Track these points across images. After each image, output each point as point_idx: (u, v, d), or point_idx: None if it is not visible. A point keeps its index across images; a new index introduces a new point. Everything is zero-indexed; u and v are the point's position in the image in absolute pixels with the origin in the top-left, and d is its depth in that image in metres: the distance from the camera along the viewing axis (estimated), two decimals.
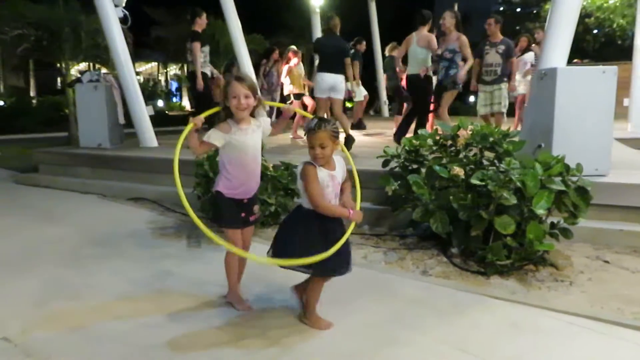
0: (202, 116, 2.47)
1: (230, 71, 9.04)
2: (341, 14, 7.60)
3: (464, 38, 6.06)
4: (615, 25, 17.25)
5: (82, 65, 16.86)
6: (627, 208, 3.79)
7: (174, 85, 33.69)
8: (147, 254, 3.69)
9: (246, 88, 2.45)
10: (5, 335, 2.38)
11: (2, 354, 2.23)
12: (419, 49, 6.31)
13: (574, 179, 3.20)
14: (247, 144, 2.52)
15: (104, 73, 8.64)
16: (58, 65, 13.63)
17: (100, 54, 13.35)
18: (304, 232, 2.30)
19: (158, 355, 2.20)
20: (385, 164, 4.04)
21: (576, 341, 2.33)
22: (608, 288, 2.95)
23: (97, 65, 16.16)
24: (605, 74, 4.03)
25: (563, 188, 3.12)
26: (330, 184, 2.31)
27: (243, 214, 2.61)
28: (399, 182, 3.74)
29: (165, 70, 34.02)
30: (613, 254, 3.47)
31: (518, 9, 22.91)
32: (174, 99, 31.25)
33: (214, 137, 2.46)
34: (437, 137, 3.82)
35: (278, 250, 2.37)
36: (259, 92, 2.70)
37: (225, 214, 2.56)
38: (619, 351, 2.24)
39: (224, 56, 14.20)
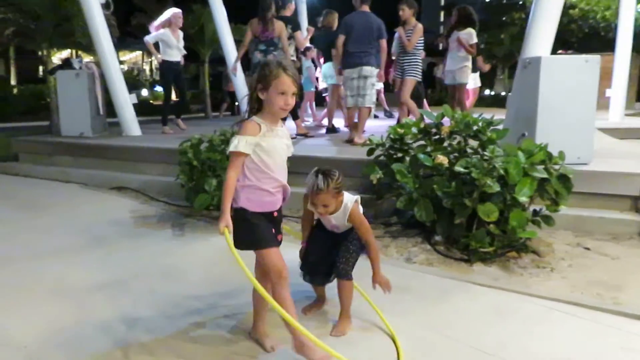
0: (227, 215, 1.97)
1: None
2: (330, 6, 7.59)
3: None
4: (599, 17, 17.39)
5: (65, 53, 16.56)
6: (608, 196, 3.84)
7: (158, 75, 33.28)
8: (130, 243, 3.65)
9: (294, 84, 2.01)
10: None
11: None
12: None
13: (556, 167, 3.23)
14: (278, 148, 2.06)
15: (87, 61, 8.50)
16: (40, 53, 13.35)
17: (83, 41, 13.08)
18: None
19: (139, 346, 2.19)
20: (370, 152, 4.03)
21: (557, 326, 2.36)
22: (588, 274, 2.99)
23: (80, 53, 15.88)
24: (588, 64, 4.05)
25: (545, 176, 3.14)
26: (322, 219, 2.32)
27: (274, 230, 2.11)
28: (384, 170, 3.74)
29: (149, 59, 33.55)
30: (594, 241, 3.52)
31: (504, 0, 22.94)
32: (159, 89, 30.88)
33: (243, 145, 1.98)
34: (422, 126, 3.82)
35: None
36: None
37: (258, 231, 2.02)
38: (598, 335, 2.27)
39: (209, 44, 14.02)
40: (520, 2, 20.56)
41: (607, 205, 3.84)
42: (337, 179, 2.11)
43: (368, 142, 4.03)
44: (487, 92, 29.97)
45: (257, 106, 2.05)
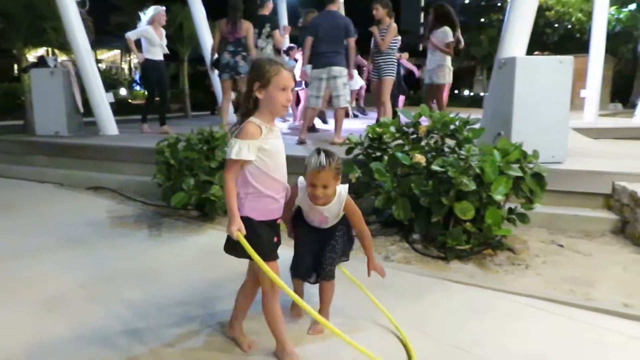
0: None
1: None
2: (310, 6, 7.59)
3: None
4: (574, 19, 17.76)
5: (41, 52, 16.24)
6: (581, 194, 3.92)
7: (137, 74, 32.86)
8: (107, 244, 3.60)
9: (293, 79, 1.96)
10: None
11: None
12: None
13: (531, 165, 3.28)
14: (280, 149, 1.98)
15: (63, 60, 8.35)
16: (14, 51, 13.06)
17: (59, 39, 12.86)
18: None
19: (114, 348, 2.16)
20: (349, 151, 4.04)
21: (531, 322, 2.40)
22: (562, 270, 3.04)
23: (55, 51, 15.59)
24: (562, 64, 4.13)
25: (520, 174, 3.19)
26: (311, 212, 2.18)
27: (275, 238, 2.04)
28: (363, 169, 3.75)
29: (128, 58, 33.14)
30: (567, 238, 3.59)
31: (482, 2, 23.27)
32: (137, 88, 30.50)
33: (246, 151, 1.85)
34: (400, 125, 3.84)
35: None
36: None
37: (261, 243, 1.91)
38: (571, 330, 2.31)
39: (188, 43, 13.88)
40: (499, 4, 20.85)
41: (581, 203, 3.92)
42: (338, 160, 2.03)
43: (347, 141, 4.04)
44: (466, 92, 30.35)
45: (253, 107, 1.93)
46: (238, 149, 1.84)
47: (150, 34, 6.91)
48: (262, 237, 1.93)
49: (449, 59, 6.53)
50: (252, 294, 2.14)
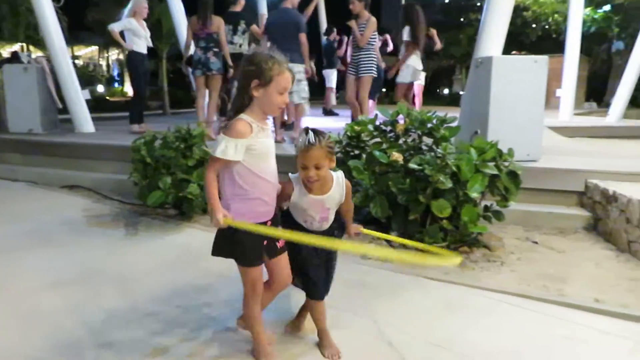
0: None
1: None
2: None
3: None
4: (550, 20, 18.04)
5: (15, 47, 15.87)
6: (555, 191, 3.99)
7: (115, 70, 32.36)
8: (81, 243, 3.54)
9: (292, 79, 1.88)
10: None
11: None
12: None
13: (506, 163, 3.33)
14: (272, 149, 1.90)
15: (37, 56, 8.18)
16: None
17: (33, 34, 12.61)
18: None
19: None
20: None
21: (505, 317, 2.44)
22: (536, 267, 3.09)
23: (30, 47, 15.27)
24: (537, 64, 4.20)
25: (496, 172, 3.23)
26: (312, 208, 1.98)
27: (265, 241, 1.92)
28: (341, 167, 3.75)
29: (106, 55, 32.62)
30: (542, 235, 3.65)
31: (462, 1, 23.47)
32: (116, 84, 30.05)
33: (233, 151, 1.75)
34: (378, 123, 3.86)
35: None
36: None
37: (244, 248, 1.85)
38: (543, 326, 2.35)
39: (166, 39, 13.72)
40: (478, 4, 21.07)
41: (555, 201, 4.00)
42: (329, 138, 1.90)
43: None
44: (445, 91, 30.63)
45: (246, 104, 1.82)
46: (224, 147, 1.74)
47: (134, 26, 6.69)
48: (246, 241, 1.83)
49: (413, 58, 6.40)
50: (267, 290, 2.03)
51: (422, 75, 6.73)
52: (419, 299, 2.65)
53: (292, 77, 1.85)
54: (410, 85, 6.65)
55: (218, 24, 6.17)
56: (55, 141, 6.14)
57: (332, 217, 2.06)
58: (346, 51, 11.15)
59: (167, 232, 3.76)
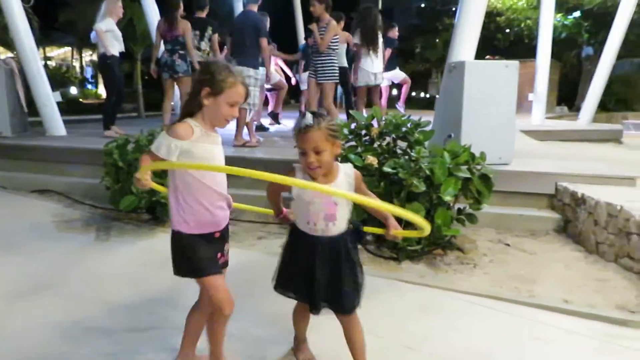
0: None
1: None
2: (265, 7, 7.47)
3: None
4: (523, 25, 18.42)
5: None
6: (527, 194, 4.07)
7: (89, 72, 31.80)
8: (50, 248, 3.46)
9: (245, 94, 1.80)
10: None
11: None
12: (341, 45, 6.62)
13: (479, 167, 3.37)
14: (216, 155, 1.81)
15: (6, 57, 7.98)
16: None
17: (3, 35, 12.32)
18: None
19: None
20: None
21: (477, 319, 2.48)
22: (508, 269, 3.15)
23: None
24: (508, 68, 4.28)
25: (468, 176, 3.27)
26: (316, 200, 1.79)
27: (219, 255, 1.86)
28: None
29: (79, 56, 32.04)
30: (514, 237, 3.71)
31: (437, 6, 23.80)
32: (89, 86, 29.53)
33: (165, 150, 1.70)
34: (352, 127, 3.87)
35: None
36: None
37: (200, 257, 1.78)
38: (513, 326, 2.40)
39: (141, 41, 13.56)
40: (453, 9, 21.38)
41: (526, 203, 4.07)
42: (330, 121, 1.75)
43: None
44: (422, 94, 30.96)
45: (196, 110, 1.78)
46: (159, 144, 1.72)
47: (114, 27, 6.53)
48: (195, 250, 1.77)
49: (366, 61, 6.38)
50: (205, 316, 1.92)
51: (381, 76, 6.72)
52: (394, 301, 2.67)
53: (245, 91, 1.77)
54: (371, 89, 6.65)
55: (184, 27, 6.14)
56: (24, 144, 6.00)
57: (341, 220, 1.82)
58: None
59: (140, 237, 3.70)
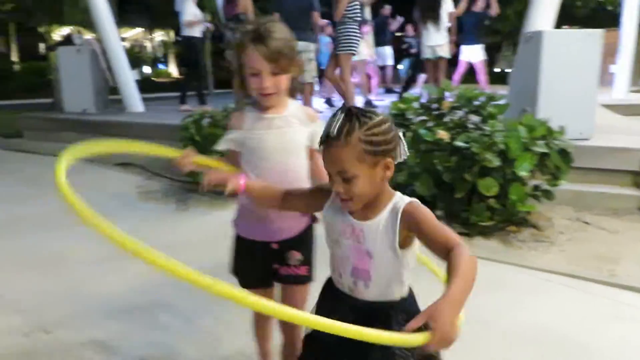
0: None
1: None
2: None
3: None
4: None
5: (66, 30, 16.47)
6: (608, 171, 3.86)
7: (161, 52, 33.02)
8: (133, 216, 3.71)
9: (272, 58, 1.37)
10: None
11: None
12: None
13: (557, 141, 3.24)
14: (270, 145, 1.46)
15: (89, 38, 8.46)
16: (40, 29, 13.29)
17: (86, 17, 13.04)
18: None
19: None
20: None
21: (553, 297, 2.42)
22: (587, 247, 3.03)
23: (80, 30, 15.78)
24: (591, 37, 4.03)
25: (546, 150, 3.16)
26: (343, 241, 1.19)
27: (275, 265, 1.55)
28: None
29: (151, 37, 33.32)
30: (593, 216, 3.55)
31: None
32: (161, 66, 30.72)
33: (222, 141, 1.54)
34: (423, 101, 3.82)
35: None
36: (300, 58, 1.53)
37: (236, 264, 1.62)
38: (592, 305, 2.33)
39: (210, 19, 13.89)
40: None
41: (608, 181, 3.86)
42: (372, 126, 1.07)
43: None
44: (492, 69, 29.71)
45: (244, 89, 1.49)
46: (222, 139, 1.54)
47: (197, 11, 6.90)
48: (238, 258, 1.62)
49: (423, 33, 6.41)
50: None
51: (446, 49, 6.60)
52: None
53: (258, 57, 1.37)
54: (437, 63, 6.50)
55: (245, 4, 6.21)
56: (107, 120, 6.39)
57: (380, 282, 1.17)
58: (402, 27, 10.83)
59: (215, 208, 3.88)
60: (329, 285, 1.28)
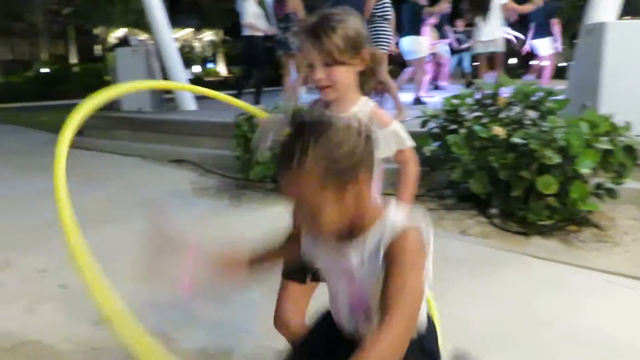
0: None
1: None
2: None
3: None
4: None
5: (120, 32, 17.12)
6: None
7: (210, 52, 33.74)
8: (188, 211, 3.82)
9: (323, 49, 1.29)
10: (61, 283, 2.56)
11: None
12: None
13: (622, 138, 3.10)
14: None
15: (142, 39, 8.76)
16: (96, 32, 13.86)
17: (140, 19, 13.51)
18: None
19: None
20: (423, 124, 3.99)
21: (615, 300, 2.32)
22: None
23: (135, 31, 16.37)
24: None
25: (610, 147, 3.03)
26: (333, 271, 1.05)
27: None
28: (438, 142, 3.70)
29: (199, 37, 34.12)
30: None
31: None
32: (210, 65, 31.42)
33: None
34: (478, 96, 3.74)
35: None
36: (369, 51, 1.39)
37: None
38: None
39: None
40: None
41: None
42: (337, 134, 0.87)
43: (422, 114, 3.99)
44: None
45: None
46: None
47: (258, 10, 6.97)
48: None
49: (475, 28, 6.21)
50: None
51: (500, 43, 6.41)
52: (519, 275, 2.59)
53: (311, 47, 1.31)
54: (492, 57, 6.33)
55: (294, 3, 6.24)
56: (162, 118, 6.60)
57: (367, 273, 0.96)
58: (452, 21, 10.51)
59: (268, 204, 3.93)
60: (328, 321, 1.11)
